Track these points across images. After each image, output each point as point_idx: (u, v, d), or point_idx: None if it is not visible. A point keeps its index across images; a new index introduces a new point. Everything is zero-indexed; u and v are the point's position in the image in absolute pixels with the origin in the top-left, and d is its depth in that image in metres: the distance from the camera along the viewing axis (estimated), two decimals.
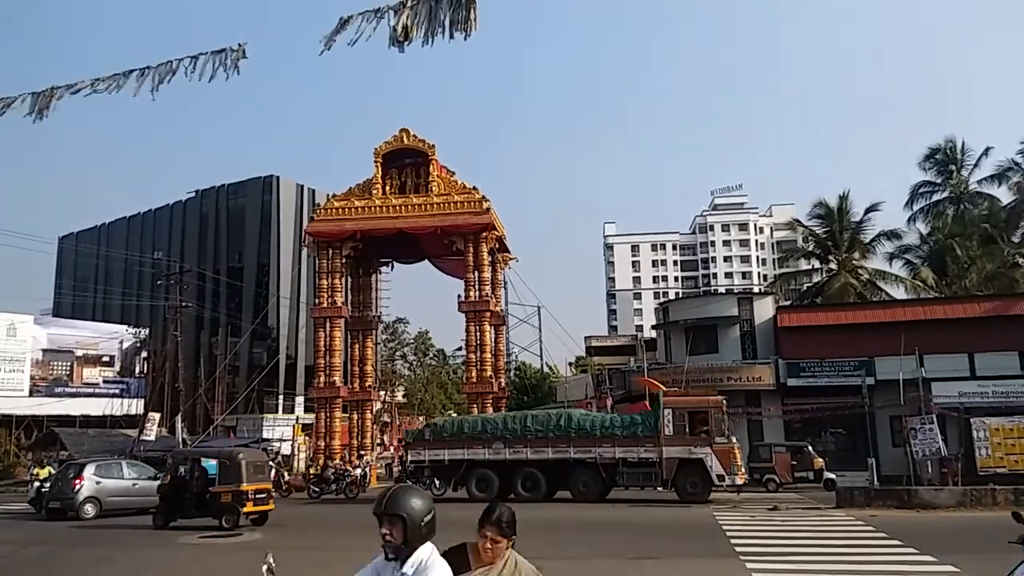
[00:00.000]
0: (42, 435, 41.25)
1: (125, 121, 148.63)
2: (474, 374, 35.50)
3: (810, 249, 44.10)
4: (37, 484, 22.39)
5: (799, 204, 79.94)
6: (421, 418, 72.24)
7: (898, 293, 38.94)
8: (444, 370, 74.47)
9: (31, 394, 49.11)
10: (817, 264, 43.85)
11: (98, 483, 20.52)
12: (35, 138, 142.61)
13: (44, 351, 51.28)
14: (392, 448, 46.98)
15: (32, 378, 50.05)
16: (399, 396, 66.64)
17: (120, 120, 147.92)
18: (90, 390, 52.25)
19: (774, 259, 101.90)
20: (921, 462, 24.35)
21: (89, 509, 19.97)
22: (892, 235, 40.86)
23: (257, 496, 16.21)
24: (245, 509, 15.93)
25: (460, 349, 42.62)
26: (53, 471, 22.40)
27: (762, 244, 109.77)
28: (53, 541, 14.70)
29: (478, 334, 35.49)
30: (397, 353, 69.29)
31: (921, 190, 44.20)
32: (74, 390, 51.44)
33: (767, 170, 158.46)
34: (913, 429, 24.87)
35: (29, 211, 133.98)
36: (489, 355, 36.07)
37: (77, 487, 19.79)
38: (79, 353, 52.88)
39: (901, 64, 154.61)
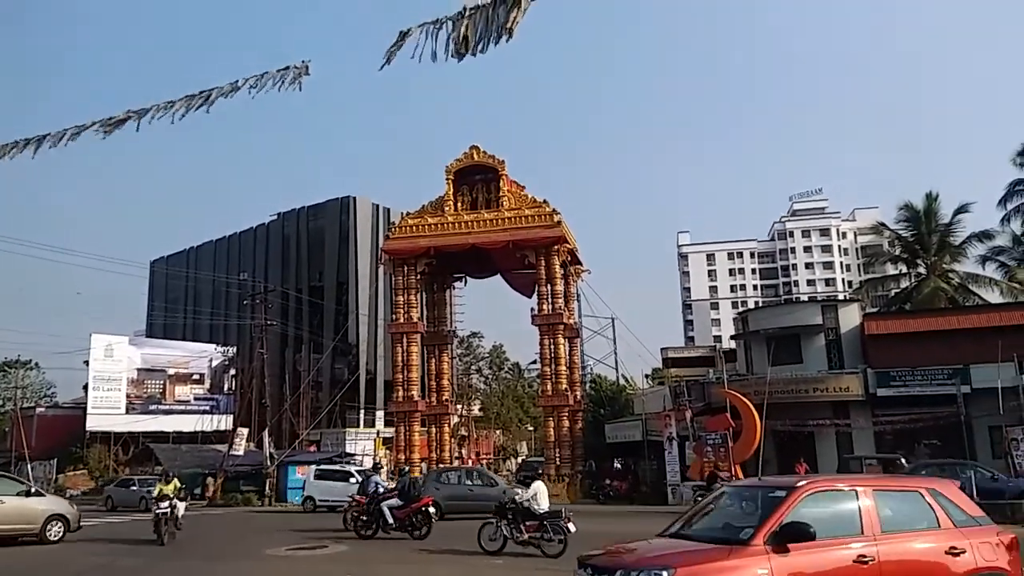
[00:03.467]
0: (138, 450, 43.22)
1: (210, 149, 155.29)
2: (549, 387, 35.48)
3: (897, 253, 42.35)
4: (164, 509, 16.72)
5: (883, 208, 77.02)
6: (498, 431, 72.84)
7: (992, 297, 37.03)
8: (519, 384, 74.68)
9: (127, 411, 51.60)
10: (905, 269, 42.08)
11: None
12: (125, 166, 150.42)
13: (139, 370, 53.77)
14: (470, 461, 47.32)
15: (128, 396, 52.57)
16: (476, 410, 67.15)
17: (205, 147, 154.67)
18: (182, 407, 54.57)
19: (858, 265, 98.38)
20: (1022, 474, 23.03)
21: None
22: (984, 236, 38.88)
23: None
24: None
25: (535, 363, 42.61)
26: (180, 485, 18.25)
27: (845, 250, 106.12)
28: (144, 554, 15.30)
29: (552, 347, 35.49)
30: (472, 367, 69.95)
31: (1016, 187, 41.97)
32: (167, 407, 53.81)
33: (849, 174, 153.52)
34: (1015, 439, 23.59)
35: (123, 237, 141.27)
36: (564, 368, 36.01)
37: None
38: (171, 372, 55.24)
39: (990, 62, 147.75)
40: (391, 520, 16.80)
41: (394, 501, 17.06)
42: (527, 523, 13.90)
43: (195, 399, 56.06)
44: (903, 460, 24.32)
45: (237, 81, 6.16)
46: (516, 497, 14.55)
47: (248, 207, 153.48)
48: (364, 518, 17.31)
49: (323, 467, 30.70)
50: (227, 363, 58.44)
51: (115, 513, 29.37)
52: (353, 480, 26.48)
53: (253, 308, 44.26)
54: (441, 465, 35.60)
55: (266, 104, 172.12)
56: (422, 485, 19.76)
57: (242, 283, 59.01)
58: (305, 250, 65.25)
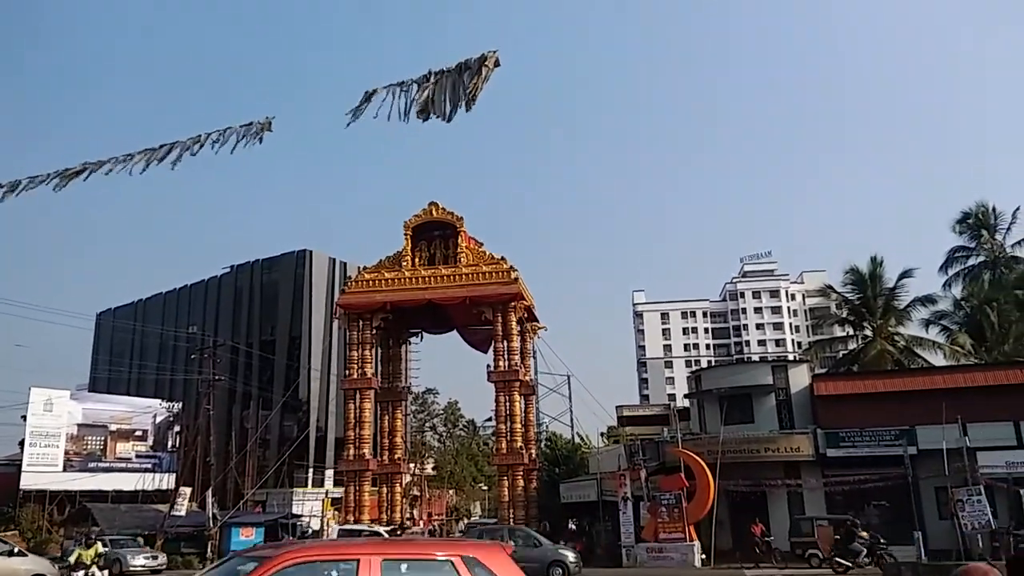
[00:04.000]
0: (75, 510, 41.33)
1: (160, 200, 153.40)
2: (504, 445, 35.14)
3: (844, 316, 43.51)
4: (82, 574, 16.73)
5: (831, 270, 79.33)
6: (451, 491, 71.53)
7: (936, 359, 38.12)
8: (474, 441, 73.76)
9: (65, 469, 49.38)
10: (852, 331, 43.21)
11: None
12: (71, 217, 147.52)
13: (79, 426, 51.68)
14: (422, 523, 46.27)
15: (67, 452, 50.37)
16: (429, 468, 65.94)
17: (155, 199, 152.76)
18: (123, 465, 52.46)
19: (807, 326, 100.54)
20: (971, 535, 23.36)
21: None
22: (927, 300, 40.31)
23: None
24: None
25: (490, 420, 42.29)
26: (102, 550, 17.90)
27: (794, 311, 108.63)
28: None
29: (508, 404, 35.28)
30: (427, 424, 68.93)
31: (956, 254, 43.73)
32: (107, 465, 51.67)
33: (797, 237, 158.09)
34: (960, 500, 23.93)
35: (67, 289, 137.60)
36: (519, 425, 35.75)
37: None
38: (113, 428, 53.23)
39: (933, 128, 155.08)
40: None
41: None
42: None
43: (137, 456, 53.99)
44: (856, 521, 24.50)
45: (200, 136, 6.16)
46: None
47: (200, 259, 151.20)
48: None
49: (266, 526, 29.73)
50: (172, 419, 56.64)
51: None
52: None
53: (201, 362, 43.28)
54: (473, 519, 34.68)
55: (221, 155, 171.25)
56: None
57: (191, 337, 57.75)
58: (258, 304, 64.17)
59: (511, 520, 34.08)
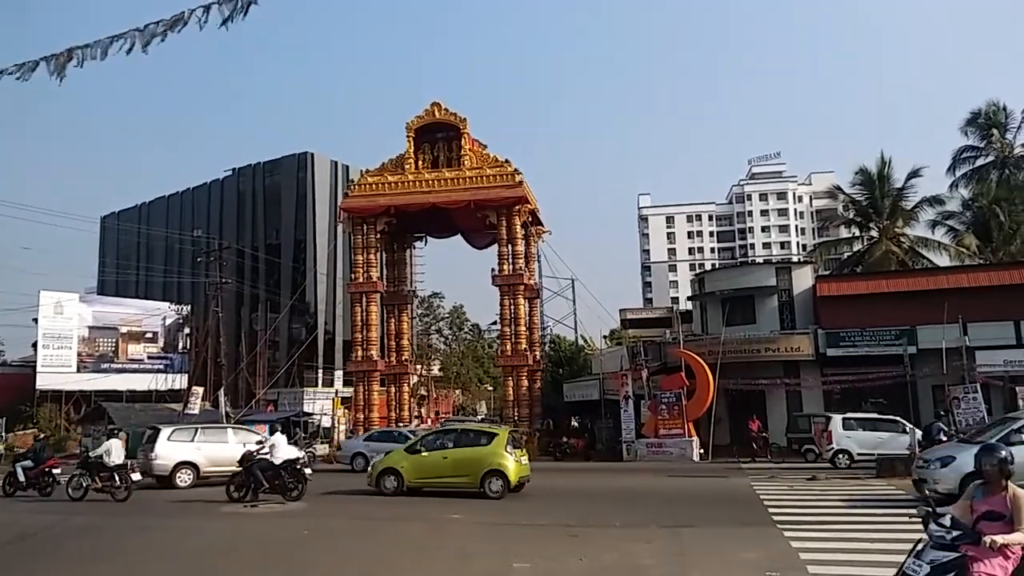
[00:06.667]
0: (90, 410, 42.47)
1: (159, 100, 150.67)
2: (509, 347, 35.62)
3: (851, 217, 43.17)
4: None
5: (840, 172, 78.22)
6: (458, 391, 73.15)
7: (941, 260, 38.08)
8: (479, 344, 74.96)
9: (79, 370, 50.59)
10: (858, 232, 43.01)
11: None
12: (72, 117, 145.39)
13: (90, 328, 52.60)
14: (429, 421, 47.53)
15: (79, 355, 51.48)
16: (435, 370, 67.29)
17: (153, 99, 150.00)
18: (135, 366, 53.68)
19: (814, 228, 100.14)
20: (965, 431, 23.91)
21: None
22: (935, 201, 39.87)
23: None
24: None
25: (495, 323, 42.69)
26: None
27: (801, 213, 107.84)
28: (101, 512, 15.09)
29: (512, 307, 35.55)
30: (432, 327, 69.95)
31: (964, 155, 42.96)
32: (120, 366, 52.87)
33: (807, 138, 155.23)
34: (956, 398, 24.37)
35: (72, 192, 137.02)
36: (524, 328, 36.14)
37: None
38: (124, 330, 54.17)
39: (944, 27, 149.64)
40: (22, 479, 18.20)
41: (27, 463, 18.62)
42: (267, 473, 15.73)
43: (149, 358, 55.16)
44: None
45: (183, 12, 5.91)
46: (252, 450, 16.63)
47: (202, 162, 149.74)
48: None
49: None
50: (181, 322, 57.48)
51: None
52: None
53: (208, 266, 43.50)
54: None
55: (222, 53, 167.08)
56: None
57: (196, 240, 57.81)
58: (261, 207, 63.97)
59: (515, 418, 34.93)
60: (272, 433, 18.14)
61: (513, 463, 16.37)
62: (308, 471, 16.70)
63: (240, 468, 16.37)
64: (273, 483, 15.74)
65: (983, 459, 5.15)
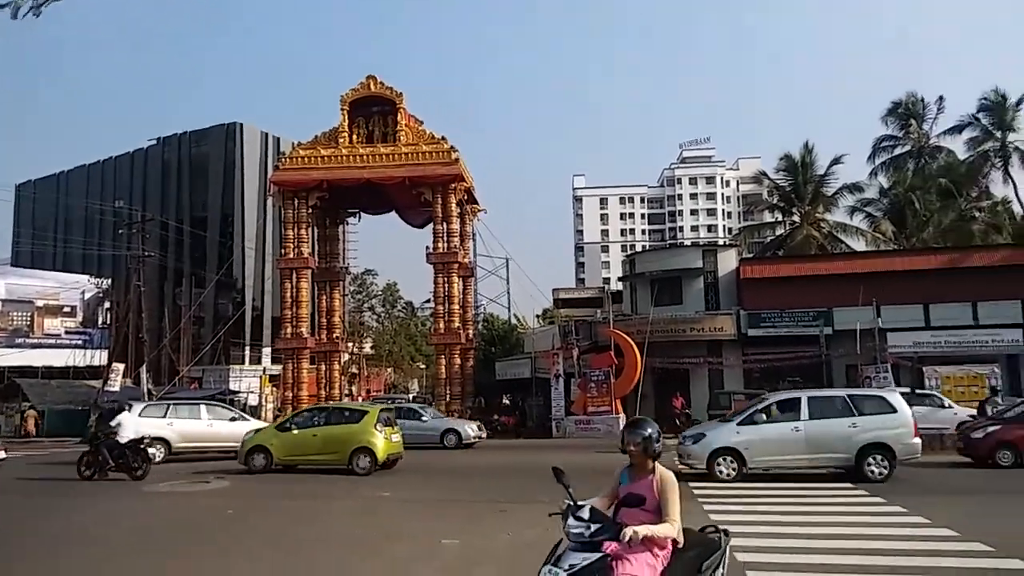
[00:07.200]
0: (3, 385, 40.76)
1: (81, 64, 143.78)
2: (442, 325, 35.69)
3: (774, 202, 44.61)
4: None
5: (766, 158, 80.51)
6: (389, 369, 72.81)
7: (859, 245, 39.73)
8: (412, 322, 74.64)
9: None
10: (781, 217, 44.47)
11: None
12: None
13: (3, 301, 50.51)
14: (360, 399, 47.30)
15: None
16: (367, 348, 66.81)
17: (76, 63, 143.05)
18: (52, 341, 51.70)
19: (740, 212, 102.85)
20: None
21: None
22: (854, 188, 41.52)
23: None
24: None
25: (428, 301, 42.68)
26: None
27: (728, 197, 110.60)
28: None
29: (446, 285, 35.59)
30: (365, 305, 69.28)
31: (883, 144, 44.78)
32: (35, 341, 50.87)
33: (736, 123, 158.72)
34: (868, 377, 25.68)
35: None
36: (457, 307, 36.25)
37: None
38: (40, 303, 52.17)
39: (872, 20, 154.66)
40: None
41: None
42: (113, 452, 16.06)
43: (67, 332, 53.31)
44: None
45: None
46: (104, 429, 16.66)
47: (125, 132, 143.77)
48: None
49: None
50: (101, 296, 55.58)
51: None
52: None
53: (129, 238, 42.02)
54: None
55: (146, 14, 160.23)
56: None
57: (118, 211, 55.66)
58: (187, 179, 61.78)
59: (447, 396, 35.08)
60: (119, 412, 18.17)
61: (383, 441, 16.65)
62: (152, 451, 17.38)
63: (90, 446, 16.53)
64: (118, 462, 15.97)
65: (627, 436, 4.45)
